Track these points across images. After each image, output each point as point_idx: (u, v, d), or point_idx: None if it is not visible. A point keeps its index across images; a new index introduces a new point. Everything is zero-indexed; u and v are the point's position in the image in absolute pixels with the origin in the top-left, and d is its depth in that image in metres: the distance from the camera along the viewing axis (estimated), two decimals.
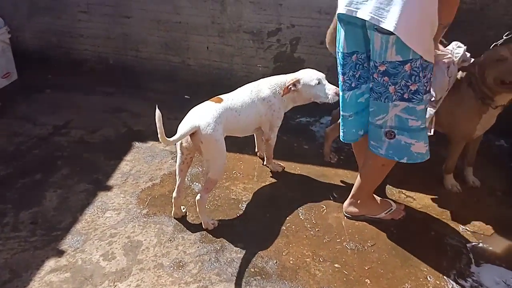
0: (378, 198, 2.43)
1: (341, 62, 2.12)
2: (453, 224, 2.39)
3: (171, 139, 2.10)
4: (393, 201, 2.46)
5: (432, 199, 2.56)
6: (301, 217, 2.42)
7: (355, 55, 2.06)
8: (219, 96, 2.40)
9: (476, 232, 2.34)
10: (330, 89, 2.44)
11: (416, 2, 1.77)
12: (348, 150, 2.99)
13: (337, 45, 2.12)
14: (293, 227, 2.35)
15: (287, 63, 3.43)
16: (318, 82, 2.44)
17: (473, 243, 2.27)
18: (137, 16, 3.64)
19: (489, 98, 2.29)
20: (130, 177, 2.71)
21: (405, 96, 1.93)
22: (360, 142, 2.32)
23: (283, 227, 2.34)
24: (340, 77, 2.16)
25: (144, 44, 3.74)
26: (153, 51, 3.74)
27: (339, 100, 2.26)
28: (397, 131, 2.02)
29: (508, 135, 3.02)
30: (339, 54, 2.12)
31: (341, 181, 2.71)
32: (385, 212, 2.38)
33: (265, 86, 2.51)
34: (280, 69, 3.45)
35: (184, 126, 2.17)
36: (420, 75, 1.90)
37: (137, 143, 3.06)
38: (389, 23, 1.78)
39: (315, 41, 3.29)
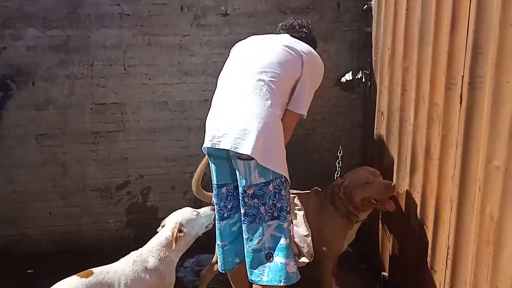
0: None
1: (215, 194, 2.62)
2: None
3: None
4: None
5: None
6: None
7: (225, 187, 2.57)
8: (92, 269, 2.43)
9: None
10: (206, 211, 2.73)
11: (268, 130, 2.36)
12: None
13: (211, 178, 2.62)
14: None
15: (140, 214, 3.81)
16: (197, 213, 2.71)
17: None
18: None
19: (353, 215, 2.92)
20: None
21: (275, 214, 2.42)
22: (236, 271, 2.72)
23: None
24: (215, 207, 2.64)
25: None
26: None
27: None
28: (273, 252, 2.43)
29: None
30: (212, 186, 2.62)
31: None
32: None
33: (148, 254, 2.56)
34: (134, 220, 3.82)
35: None
36: (282, 192, 2.43)
37: None
38: (246, 149, 2.33)
39: (166, 188, 3.80)
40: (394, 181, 3.07)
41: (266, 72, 2.48)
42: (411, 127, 2.80)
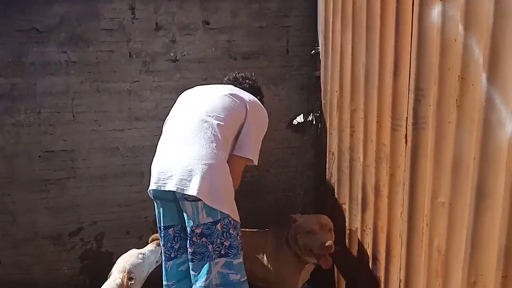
0: None
1: (161, 235, 2.61)
2: None
3: None
4: None
5: None
6: None
7: (172, 228, 2.58)
8: None
9: None
10: (151, 248, 2.74)
11: (213, 172, 2.41)
12: None
13: (157, 220, 2.62)
14: None
15: (94, 260, 3.69)
16: (142, 254, 2.71)
17: None
18: None
19: (301, 256, 2.93)
20: None
21: (222, 252, 2.45)
22: None
23: None
24: (162, 248, 2.62)
25: None
26: None
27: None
28: None
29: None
30: (159, 228, 2.61)
31: None
32: None
33: None
34: (89, 267, 3.70)
35: None
36: (231, 231, 2.47)
37: None
38: (192, 190, 2.36)
39: (120, 233, 3.70)
40: (347, 218, 3.14)
41: (210, 116, 2.56)
42: (360, 167, 2.88)
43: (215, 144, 2.48)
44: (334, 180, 3.34)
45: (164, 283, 2.67)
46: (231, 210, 2.50)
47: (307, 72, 3.76)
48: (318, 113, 3.64)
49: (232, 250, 2.48)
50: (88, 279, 3.70)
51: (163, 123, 2.88)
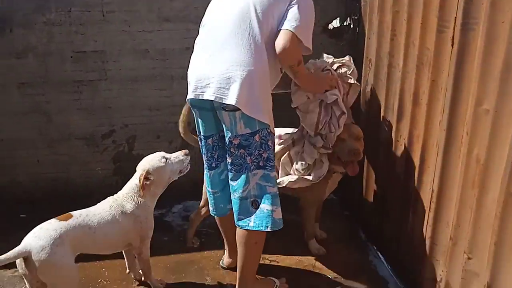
0: (261, 278, 2.75)
1: (201, 144, 2.56)
2: (319, 276, 2.92)
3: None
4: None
5: (293, 259, 3.07)
6: None
7: (211, 138, 2.50)
8: (71, 212, 2.45)
9: (339, 278, 2.89)
10: (178, 156, 2.65)
11: (252, 79, 2.24)
12: (207, 232, 3.36)
13: (196, 129, 2.56)
14: None
15: (127, 162, 3.75)
16: (165, 159, 2.61)
17: None
18: None
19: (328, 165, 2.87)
20: None
21: (261, 163, 2.38)
22: (226, 218, 2.72)
23: None
24: (203, 157, 2.59)
25: None
26: None
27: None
28: (260, 200, 2.42)
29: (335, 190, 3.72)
30: (199, 137, 2.57)
31: (210, 262, 3.06)
32: None
33: (124, 199, 2.57)
34: (121, 168, 3.78)
35: (16, 248, 2.18)
36: (269, 143, 2.38)
37: None
38: (231, 99, 2.23)
39: (151, 136, 3.73)
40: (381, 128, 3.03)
41: (248, 14, 2.29)
42: (399, 73, 2.71)
43: (254, 47, 2.26)
44: (369, 88, 3.19)
45: (208, 189, 2.66)
46: (270, 119, 2.38)
47: None
48: (356, 16, 3.40)
49: (269, 163, 2.40)
50: (121, 180, 3.70)
51: (193, 25, 2.74)
